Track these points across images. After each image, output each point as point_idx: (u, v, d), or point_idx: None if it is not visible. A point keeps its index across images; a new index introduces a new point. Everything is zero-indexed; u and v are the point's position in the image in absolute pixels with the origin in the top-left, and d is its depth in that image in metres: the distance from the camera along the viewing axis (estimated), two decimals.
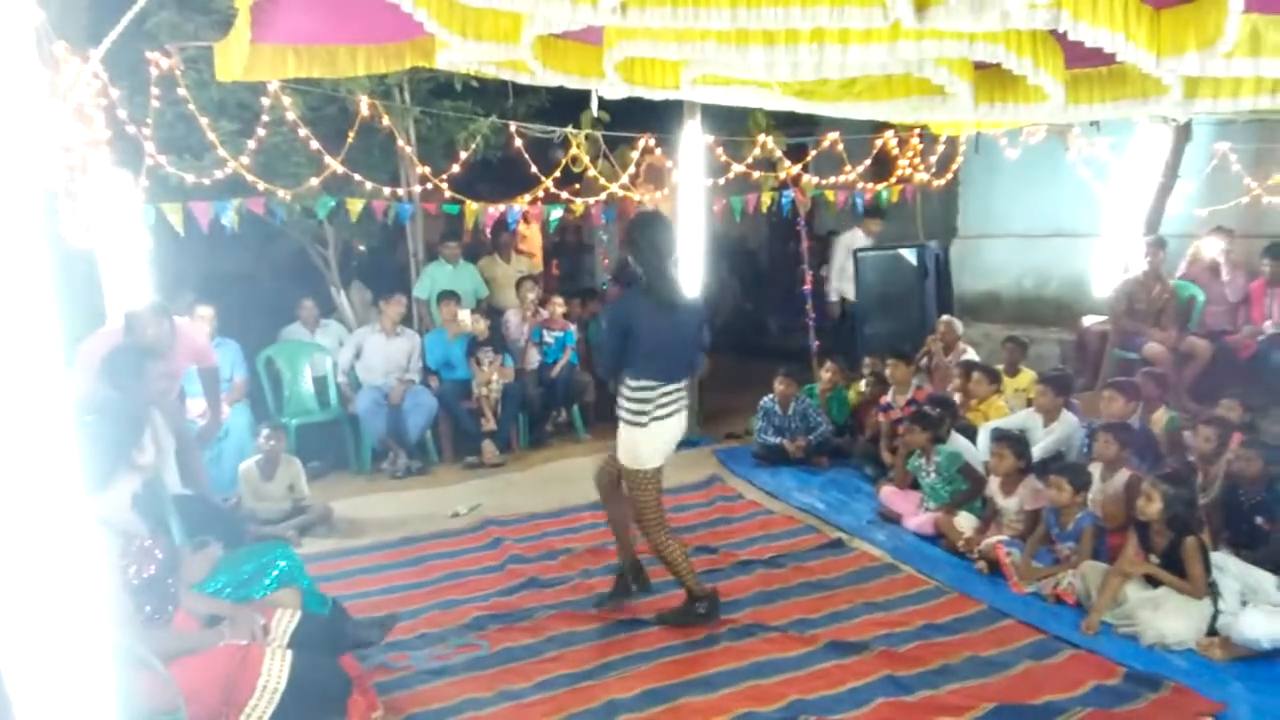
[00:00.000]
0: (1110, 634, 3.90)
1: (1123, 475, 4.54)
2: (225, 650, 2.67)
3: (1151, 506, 3.89)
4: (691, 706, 3.45)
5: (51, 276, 1.81)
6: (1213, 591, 3.83)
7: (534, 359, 7.54)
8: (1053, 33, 3.17)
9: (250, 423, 6.15)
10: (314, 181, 6.36)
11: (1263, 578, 3.81)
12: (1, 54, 1.70)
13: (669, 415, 4.03)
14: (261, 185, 6.09)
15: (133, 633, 2.46)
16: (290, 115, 5.97)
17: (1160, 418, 5.33)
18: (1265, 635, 3.59)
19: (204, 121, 5.61)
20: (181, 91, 5.48)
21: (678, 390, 4.08)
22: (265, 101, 5.85)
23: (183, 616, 2.83)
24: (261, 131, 5.91)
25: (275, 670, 2.65)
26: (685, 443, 7.22)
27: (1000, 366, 6.53)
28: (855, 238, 8.79)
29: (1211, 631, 3.77)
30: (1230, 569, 3.83)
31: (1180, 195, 7.53)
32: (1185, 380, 6.60)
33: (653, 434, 3.98)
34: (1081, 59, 3.57)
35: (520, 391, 7.17)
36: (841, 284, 8.96)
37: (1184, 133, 7.29)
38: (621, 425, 4.04)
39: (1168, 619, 3.79)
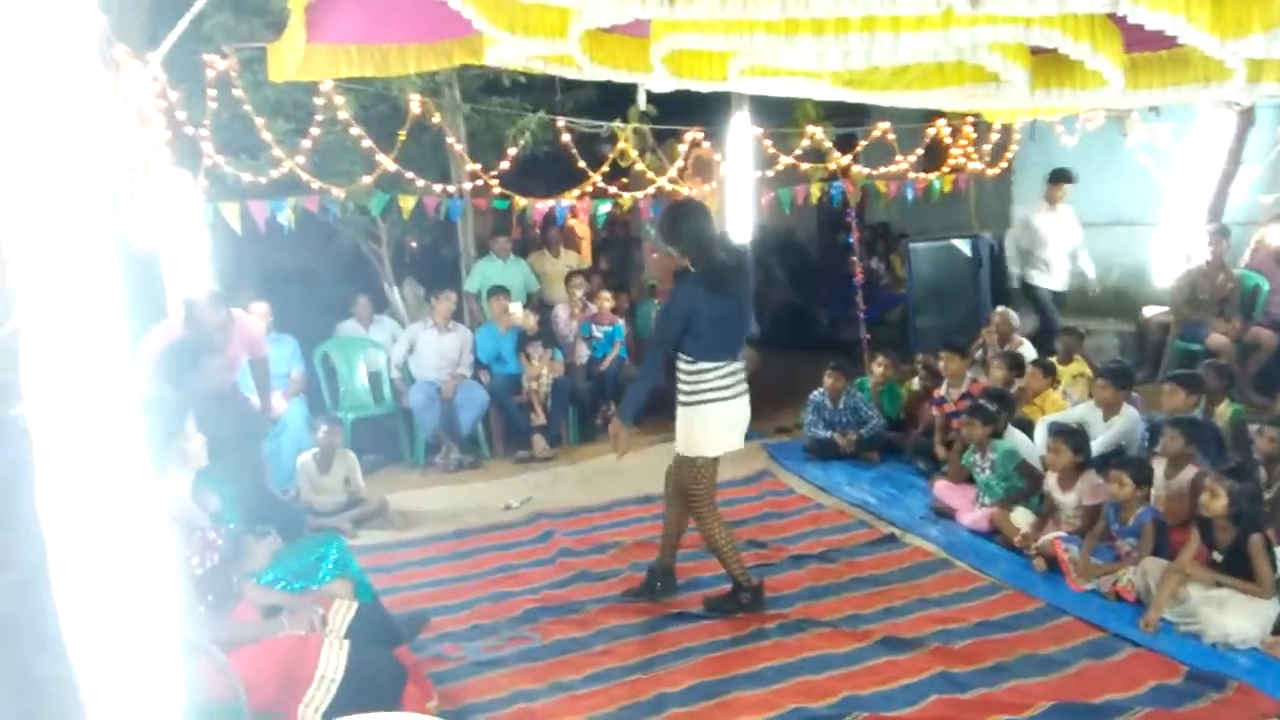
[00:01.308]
0: (1172, 632, 3.80)
1: (1189, 471, 4.42)
2: (284, 641, 2.73)
3: (1216, 503, 3.78)
4: (742, 701, 3.44)
5: (119, 278, 1.86)
6: (1277, 589, 3.72)
7: (583, 353, 7.57)
8: (1111, 16, 3.10)
9: (307, 417, 6.27)
10: (367, 179, 6.46)
11: None
12: (67, 58, 1.75)
13: (734, 396, 4.04)
14: (316, 184, 6.19)
15: (195, 623, 2.52)
16: (343, 114, 6.06)
17: (1224, 411, 5.18)
18: None
19: (259, 122, 5.73)
20: (237, 92, 5.60)
21: (737, 370, 4.08)
22: (319, 101, 5.95)
23: (244, 607, 2.90)
24: (315, 131, 6.01)
25: (333, 661, 2.70)
26: None
27: (1055, 358, 6.41)
28: (1038, 210, 7.65)
29: (1278, 630, 3.66)
30: None
31: (1244, 182, 7.33)
32: (1249, 372, 6.42)
33: (715, 414, 3.99)
34: (1141, 43, 3.49)
35: (570, 386, 7.20)
36: (1029, 269, 7.69)
37: (1247, 117, 7.08)
38: (681, 410, 4.05)
39: (1232, 617, 3.68)
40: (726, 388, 4.02)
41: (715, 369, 3.98)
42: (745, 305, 4.15)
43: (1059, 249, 7.54)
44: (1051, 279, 7.60)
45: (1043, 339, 7.25)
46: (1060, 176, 7.53)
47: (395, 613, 3.80)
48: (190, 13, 4.07)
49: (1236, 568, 3.77)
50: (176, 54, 4.85)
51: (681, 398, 4.03)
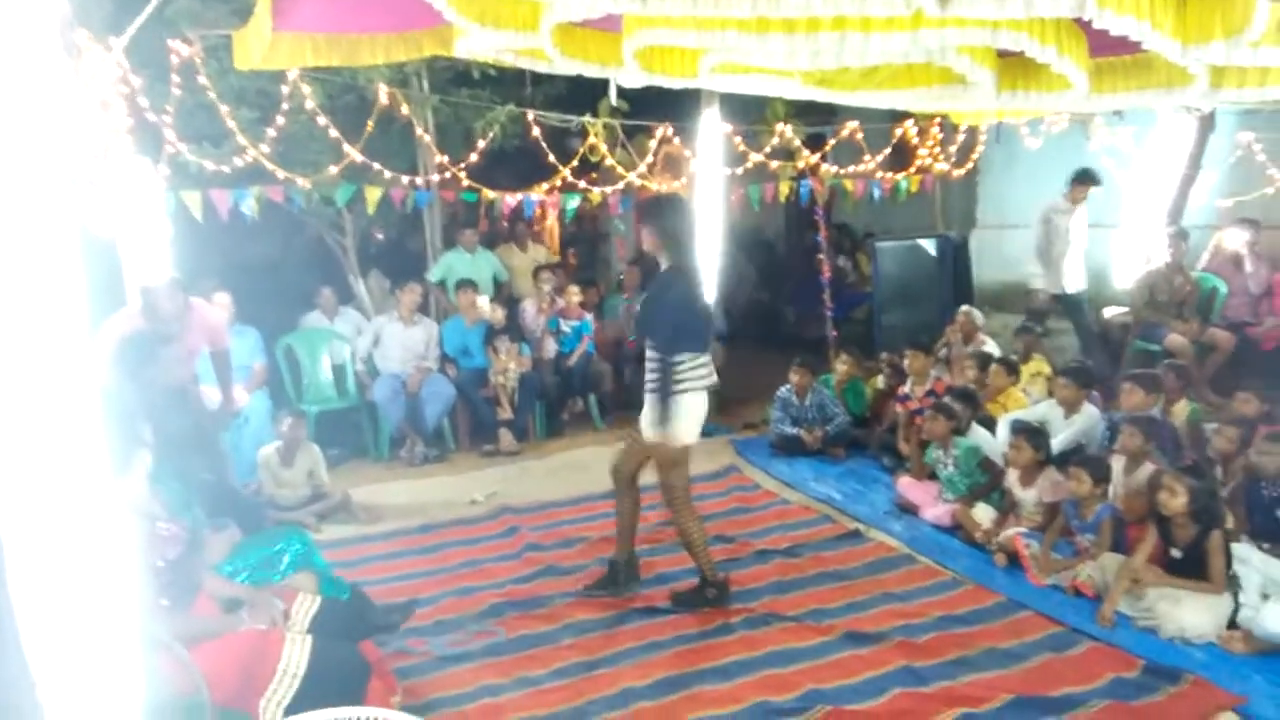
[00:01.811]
0: (1129, 626, 3.88)
1: (1146, 469, 4.50)
2: (245, 635, 2.70)
3: (1176, 501, 3.86)
4: (706, 695, 3.46)
5: (78, 265, 1.82)
6: (1233, 585, 3.81)
7: (551, 348, 7.55)
8: (1077, 20, 3.14)
9: (270, 410, 6.19)
10: (333, 170, 6.38)
11: None
12: (27, 43, 1.71)
13: (701, 389, 4.11)
14: (281, 173, 6.11)
15: (155, 617, 2.49)
16: (309, 103, 5.99)
17: (1181, 410, 5.29)
18: None
19: (224, 109, 5.64)
20: (202, 79, 5.51)
21: (708, 362, 4.17)
22: (285, 90, 5.87)
23: (204, 600, 2.86)
24: (281, 120, 5.93)
25: (295, 656, 2.68)
26: (702, 432, 7.28)
27: (1015, 356, 6.50)
28: (1057, 209, 7.40)
29: (1233, 624, 3.75)
30: (1253, 561, 3.79)
31: (1203, 186, 7.46)
32: (1206, 372, 6.55)
33: (688, 404, 4.04)
34: (1106, 47, 3.54)
35: (537, 380, 7.18)
36: (1049, 270, 7.42)
37: (1208, 123, 7.21)
38: (651, 399, 4.07)
39: (1187, 612, 3.77)
40: (698, 379, 4.08)
41: (691, 359, 4.03)
42: (706, 300, 4.32)
43: (1078, 250, 7.43)
44: (1066, 280, 7.43)
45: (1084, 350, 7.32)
46: (1087, 178, 7.32)
47: (381, 602, 3.78)
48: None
49: (1195, 564, 3.85)
50: (140, 40, 4.77)
51: (653, 387, 4.05)
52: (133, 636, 1.90)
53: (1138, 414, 4.87)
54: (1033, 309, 7.58)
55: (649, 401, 4.07)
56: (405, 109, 6.62)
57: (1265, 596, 3.72)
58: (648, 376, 4.08)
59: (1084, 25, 3.13)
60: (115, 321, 4.59)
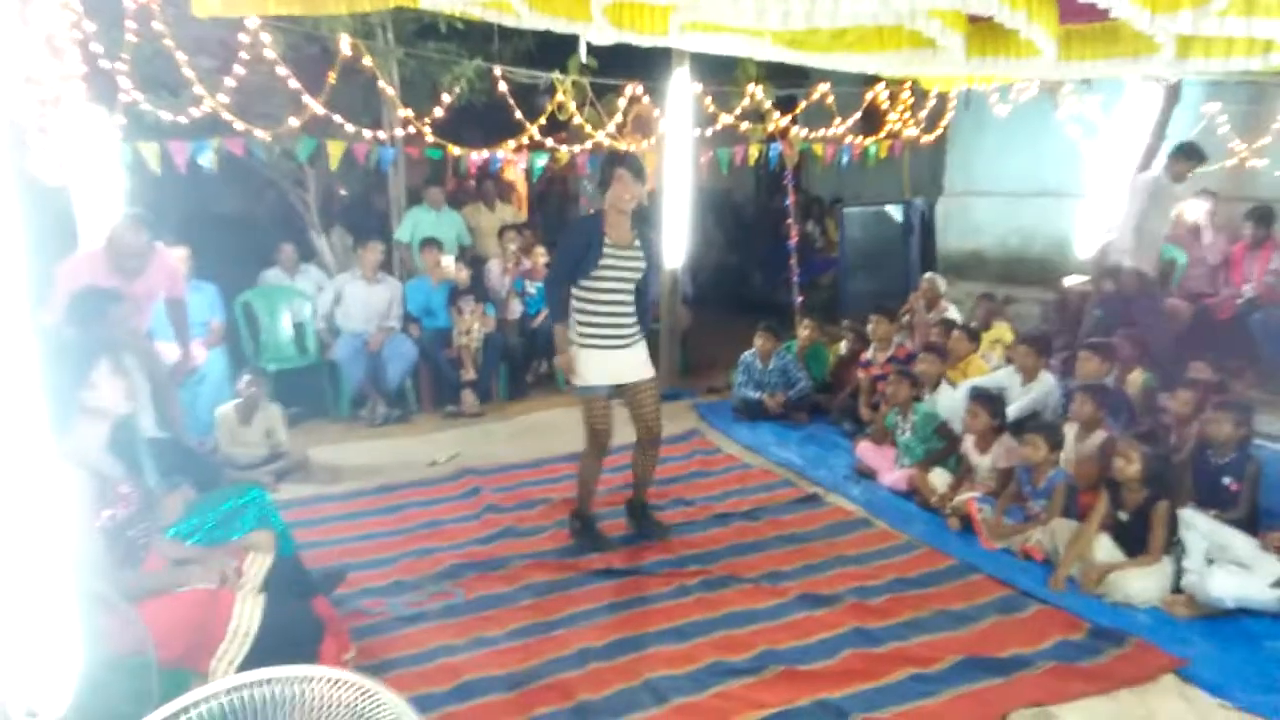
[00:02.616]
0: (1077, 591, 3.95)
1: (1098, 436, 4.58)
2: (195, 594, 2.67)
3: (1131, 467, 3.93)
4: (662, 655, 3.49)
5: (18, 211, 1.77)
6: (1177, 550, 3.89)
7: (516, 309, 7.50)
8: None
9: (228, 367, 6.10)
10: (294, 123, 6.24)
11: (1230, 535, 3.85)
12: None
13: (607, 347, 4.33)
14: (240, 125, 5.97)
15: (101, 574, 2.45)
16: (270, 54, 5.84)
17: (1136, 379, 5.36)
18: (1230, 595, 3.66)
19: (181, 58, 5.48)
20: (158, 26, 5.35)
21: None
22: (244, 39, 5.72)
23: (154, 560, 2.82)
24: (241, 70, 5.78)
25: (247, 614, 2.66)
26: (666, 395, 7.30)
27: (975, 323, 6.55)
28: (1162, 184, 6.48)
29: (1176, 589, 3.84)
30: (1198, 526, 3.86)
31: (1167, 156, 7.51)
32: (1164, 341, 6.63)
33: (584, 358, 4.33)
34: (1075, 14, 3.52)
35: (501, 341, 7.14)
36: (1142, 247, 6.46)
37: (1173, 93, 7.24)
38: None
39: (1133, 580, 3.85)
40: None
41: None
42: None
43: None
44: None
45: None
46: (1193, 153, 6.46)
47: (313, 567, 3.74)
48: None
49: (1140, 529, 3.93)
50: None
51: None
52: (73, 593, 1.88)
53: (1090, 382, 4.94)
54: (1113, 292, 6.64)
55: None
56: (369, 61, 6.48)
57: (1210, 561, 3.81)
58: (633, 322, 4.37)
59: None
60: (77, 261, 4.53)
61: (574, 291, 4.31)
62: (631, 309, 4.37)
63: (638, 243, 4.35)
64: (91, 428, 2.67)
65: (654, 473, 4.69)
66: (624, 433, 4.53)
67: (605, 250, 4.21)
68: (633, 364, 4.41)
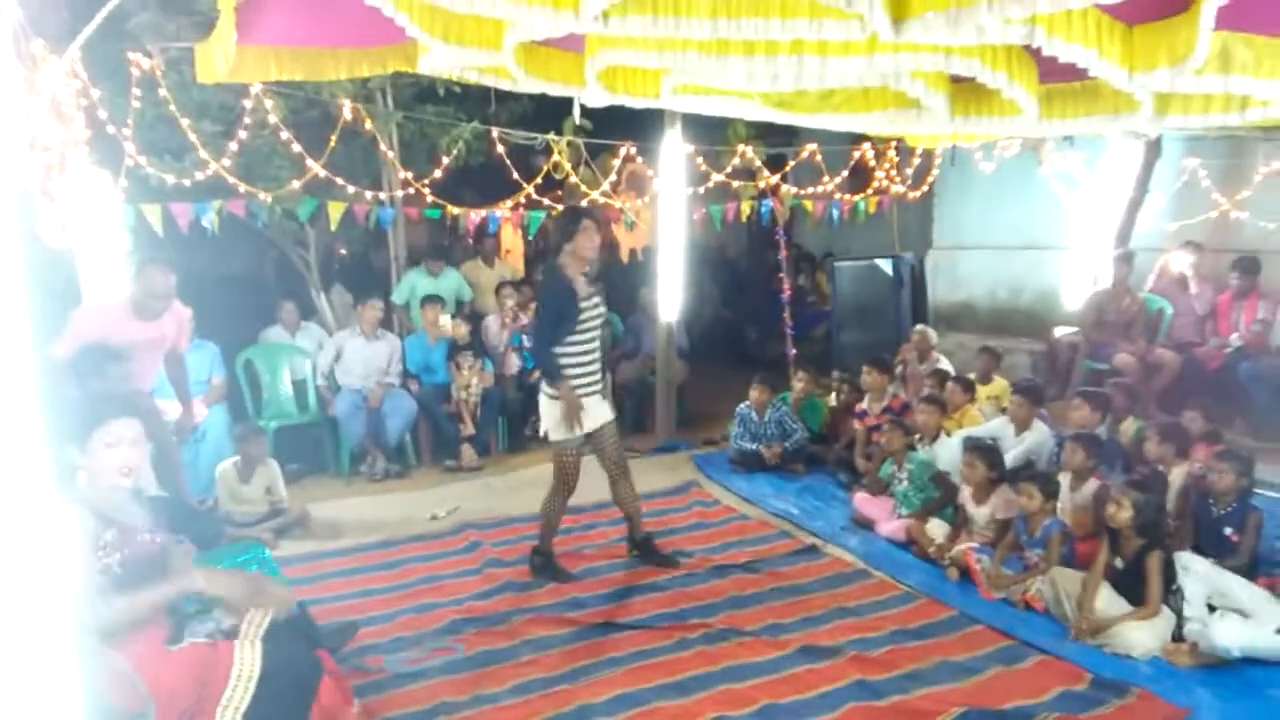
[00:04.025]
0: (1077, 641, 3.95)
1: (1091, 485, 4.61)
2: (195, 651, 2.67)
3: (1123, 514, 3.96)
4: (664, 711, 3.47)
5: (21, 273, 1.81)
6: (1177, 598, 3.89)
7: (514, 364, 7.56)
8: (1027, 48, 3.24)
9: (228, 425, 6.13)
10: (295, 184, 6.36)
11: (1230, 581, 3.83)
12: None
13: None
14: (243, 187, 6.08)
15: (89, 618, 2.45)
16: (272, 118, 5.97)
17: (1129, 428, 5.42)
18: (1237, 644, 3.63)
19: (185, 123, 5.61)
20: (163, 92, 5.47)
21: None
22: (247, 104, 5.85)
23: (153, 630, 2.81)
24: (243, 134, 5.91)
25: (249, 659, 2.66)
26: (663, 447, 7.31)
27: (974, 375, 6.62)
28: None
29: (1178, 637, 3.83)
30: (1195, 569, 3.86)
31: (1150, 210, 7.68)
32: (1153, 391, 6.71)
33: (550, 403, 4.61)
34: (1055, 74, 3.64)
35: (499, 396, 7.18)
36: None
37: (1154, 148, 7.43)
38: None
39: (1132, 631, 3.84)
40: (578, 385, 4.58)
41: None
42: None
43: None
44: None
45: None
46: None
47: (323, 622, 3.74)
48: (106, 8, 3.97)
49: (1136, 577, 3.94)
50: (100, 52, 4.74)
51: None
52: (74, 653, 1.88)
53: (1081, 431, 4.99)
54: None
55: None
56: (369, 124, 6.62)
57: (1211, 609, 3.79)
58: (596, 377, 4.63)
59: (1034, 52, 3.24)
60: (84, 312, 4.65)
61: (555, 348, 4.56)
62: (598, 356, 4.67)
63: (595, 288, 4.69)
64: (98, 477, 2.70)
65: (639, 503, 4.96)
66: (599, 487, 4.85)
67: (580, 304, 4.51)
68: (602, 409, 4.72)
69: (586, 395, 4.59)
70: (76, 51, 4.56)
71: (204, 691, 2.58)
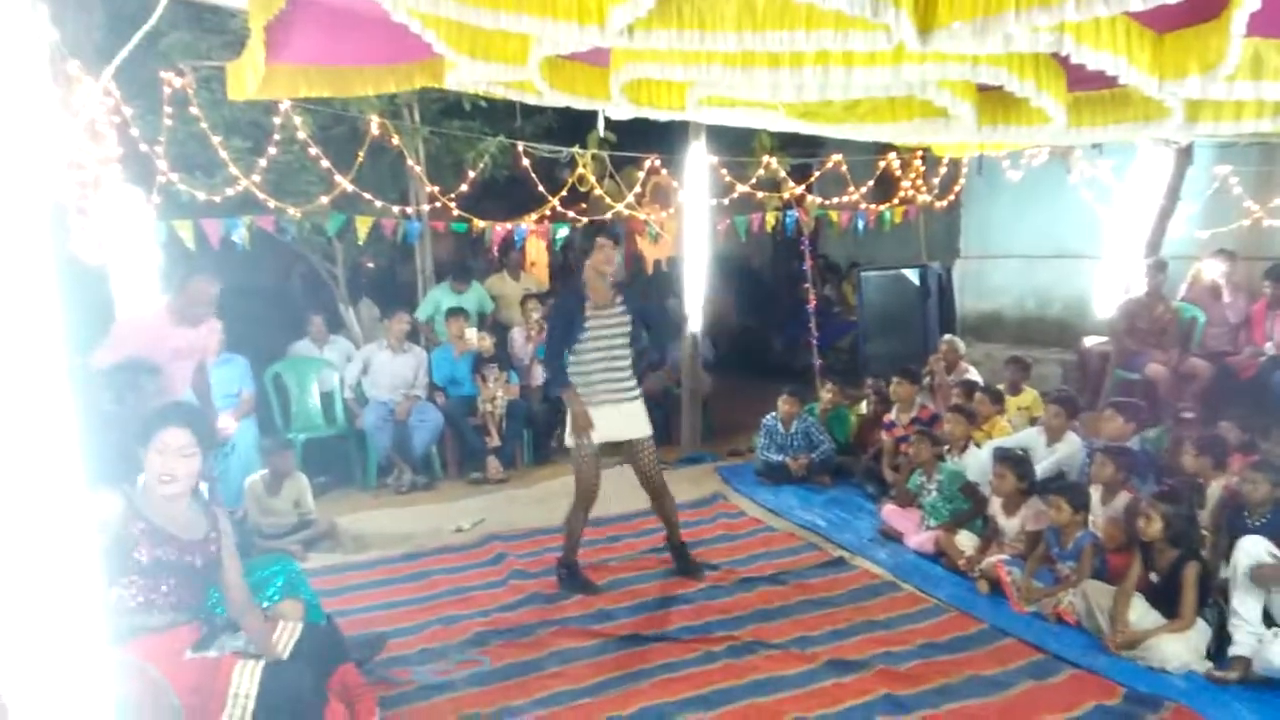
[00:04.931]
0: (1112, 654, 3.90)
1: (1123, 497, 4.55)
2: (203, 662, 2.70)
3: (1153, 527, 3.90)
4: None
5: (57, 291, 1.85)
6: (1218, 613, 3.82)
7: (539, 376, 7.57)
8: (1055, 55, 3.21)
9: (257, 438, 6.18)
10: (324, 199, 6.43)
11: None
12: (15, 72, 1.74)
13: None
14: (272, 203, 6.16)
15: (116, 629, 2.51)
16: (301, 134, 6.05)
17: (1154, 436, 5.33)
18: None
19: (216, 140, 5.69)
20: (194, 110, 5.56)
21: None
22: (276, 120, 5.94)
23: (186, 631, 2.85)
24: (272, 150, 5.99)
25: (245, 680, 2.68)
26: (689, 459, 7.30)
27: (1003, 386, 6.55)
28: None
29: (1220, 652, 3.75)
30: (1248, 550, 3.73)
31: (1182, 218, 7.58)
32: (1186, 401, 6.61)
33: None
34: (1084, 81, 3.61)
35: (525, 408, 7.21)
36: None
37: (1185, 156, 7.34)
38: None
39: (1167, 644, 3.78)
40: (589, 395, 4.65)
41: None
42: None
43: None
44: None
45: None
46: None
47: (352, 634, 3.76)
48: (141, 30, 4.05)
49: (1172, 590, 3.87)
50: (132, 71, 4.82)
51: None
52: (103, 662, 1.90)
53: (1110, 444, 4.92)
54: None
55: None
56: (396, 140, 6.69)
57: (1267, 623, 3.69)
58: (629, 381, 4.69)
59: (1062, 60, 3.20)
60: (133, 325, 4.69)
61: (569, 355, 4.67)
62: (624, 365, 4.70)
63: (619, 299, 4.69)
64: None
65: (675, 515, 5.01)
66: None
67: (588, 313, 4.58)
68: (625, 421, 4.72)
69: (599, 405, 4.64)
70: (110, 71, 4.64)
71: (204, 708, 2.60)
